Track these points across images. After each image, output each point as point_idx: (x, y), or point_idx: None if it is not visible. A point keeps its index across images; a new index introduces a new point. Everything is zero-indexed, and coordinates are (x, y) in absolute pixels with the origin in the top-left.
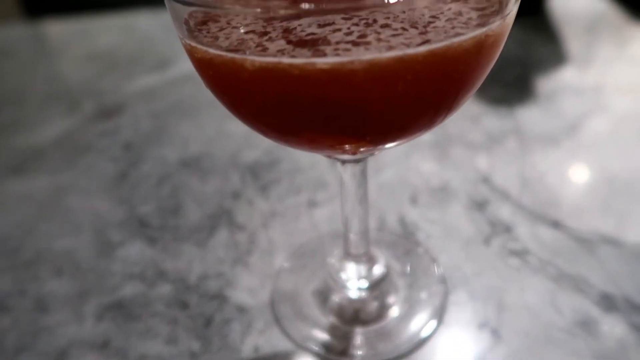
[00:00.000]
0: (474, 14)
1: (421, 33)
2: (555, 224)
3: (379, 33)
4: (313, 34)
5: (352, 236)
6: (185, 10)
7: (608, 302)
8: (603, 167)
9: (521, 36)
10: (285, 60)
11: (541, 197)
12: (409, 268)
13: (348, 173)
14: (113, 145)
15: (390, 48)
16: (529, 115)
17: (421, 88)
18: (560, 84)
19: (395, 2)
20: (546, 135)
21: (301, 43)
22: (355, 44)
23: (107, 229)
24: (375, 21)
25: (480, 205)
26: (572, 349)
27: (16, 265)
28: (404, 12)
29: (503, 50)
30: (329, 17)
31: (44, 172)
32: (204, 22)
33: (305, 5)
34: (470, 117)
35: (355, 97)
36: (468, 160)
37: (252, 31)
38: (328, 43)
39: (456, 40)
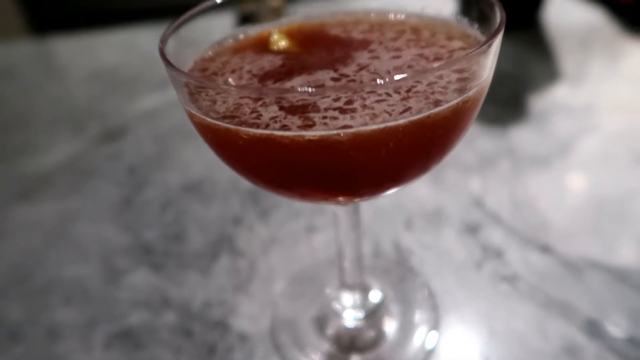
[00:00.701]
0: (453, 77)
1: (403, 99)
2: (545, 249)
3: (364, 99)
4: (304, 98)
5: (347, 264)
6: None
7: (593, 328)
8: (593, 190)
9: (514, 52)
10: (277, 133)
11: (532, 221)
12: (403, 296)
13: (341, 209)
14: (117, 169)
15: (374, 116)
16: (521, 136)
17: (404, 152)
18: (553, 102)
19: (381, 84)
20: (538, 156)
21: (292, 109)
22: (342, 111)
23: (113, 256)
24: (362, 83)
25: (472, 230)
26: None
27: (27, 293)
28: (388, 72)
29: (497, 67)
30: (319, 78)
31: (51, 198)
32: (202, 87)
33: (295, 90)
34: (464, 138)
35: (342, 162)
36: (462, 183)
37: (248, 96)
38: (317, 110)
39: (434, 110)
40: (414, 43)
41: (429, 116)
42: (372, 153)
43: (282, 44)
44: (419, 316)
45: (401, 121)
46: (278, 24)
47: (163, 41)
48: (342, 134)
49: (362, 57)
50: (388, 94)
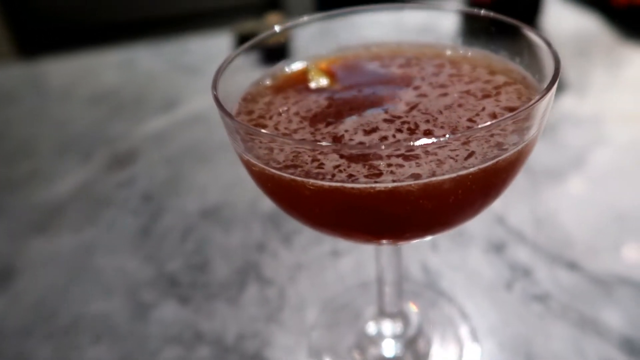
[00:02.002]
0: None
1: (464, 143)
2: (572, 265)
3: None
4: (362, 143)
5: (387, 289)
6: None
7: (630, 346)
8: (611, 202)
9: None
10: (347, 185)
11: (555, 237)
12: (438, 321)
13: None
14: (131, 197)
15: (440, 163)
16: (535, 148)
17: (470, 197)
18: (560, 113)
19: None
20: (553, 169)
21: (354, 158)
22: (405, 158)
23: (138, 290)
24: (417, 126)
25: (498, 248)
26: None
27: (55, 332)
28: (440, 112)
29: None
30: (371, 120)
31: (67, 229)
32: (272, 140)
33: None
34: None
35: (409, 210)
36: None
37: (303, 139)
38: (380, 157)
39: (503, 156)
40: (457, 78)
41: (497, 162)
42: (441, 200)
43: (322, 81)
44: (457, 342)
45: (472, 169)
46: (313, 59)
47: (215, 86)
48: (413, 185)
49: (409, 94)
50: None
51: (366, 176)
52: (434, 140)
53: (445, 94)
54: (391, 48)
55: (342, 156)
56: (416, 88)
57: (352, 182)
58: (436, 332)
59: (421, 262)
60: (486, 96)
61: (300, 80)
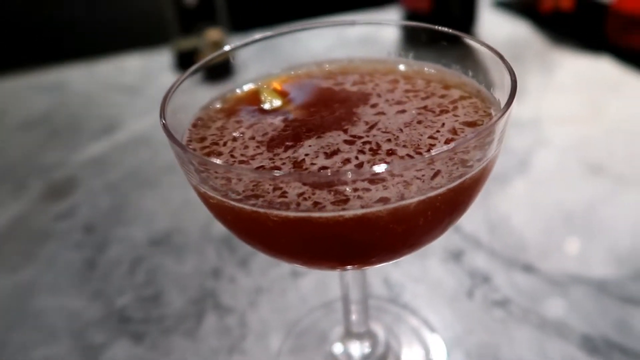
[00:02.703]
0: (468, 132)
1: (429, 163)
2: (528, 268)
3: (388, 163)
4: (324, 167)
5: (353, 307)
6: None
7: (590, 345)
8: (558, 204)
9: None
10: (314, 214)
11: (509, 241)
12: (405, 336)
13: None
14: (72, 229)
15: (407, 184)
16: None
17: (438, 216)
18: None
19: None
20: (500, 173)
21: (318, 185)
22: (371, 181)
23: (86, 330)
24: (379, 146)
25: (456, 257)
26: None
27: None
28: (401, 130)
29: None
30: (331, 142)
31: (1, 269)
32: (228, 172)
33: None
34: None
35: (378, 235)
36: None
37: (262, 166)
38: (345, 182)
39: (470, 174)
40: (412, 94)
41: (463, 181)
42: (411, 223)
43: (275, 101)
44: (425, 357)
45: (440, 190)
46: (264, 79)
47: (163, 114)
48: (382, 210)
49: (367, 113)
50: (410, 155)
51: (332, 203)
52: (401, 162)
53: (403, 111)
54: (343, 65)
55: (305, 183)
56: (373, 106)
57: (319, 210)
58: (404, 348)
59: (382, 276)
60: (444, 111)
61: (252, 102)
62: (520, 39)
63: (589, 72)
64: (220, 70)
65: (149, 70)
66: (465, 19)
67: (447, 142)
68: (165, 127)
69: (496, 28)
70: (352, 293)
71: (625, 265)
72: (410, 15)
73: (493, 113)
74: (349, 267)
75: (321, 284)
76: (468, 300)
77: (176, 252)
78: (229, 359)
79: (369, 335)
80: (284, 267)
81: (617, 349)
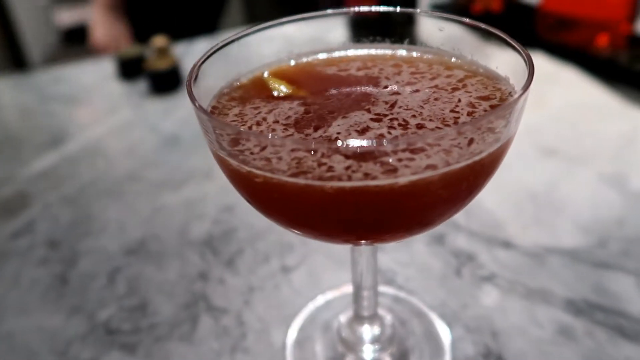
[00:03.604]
0: (485, 105)
1: (460, 133)
2: (507, 244)
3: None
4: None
5: (365, 293)
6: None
7: (573, 307)
8: (521, 184)
9: None
10: (371, 183)
11: (485, 222)
12: (406, 317)
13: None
14: (34, 246)
15: (447, 152)
16: None
17: (478, 181)
18: None
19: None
20: None
21: (361, 157)
22: (412, 151)
23: (70, 348)
24: (406, 121)
25: (439, 240)
26: (564, 358)
27: None
28: (422, 107)
29: None
30: (359, 120)
31: None
32: (237, 141)
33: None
34: None
35: (430, 200)
36: None
37: (296, 148)
38: (387, 154)
39: (499, 143)
40: (419, 76)
41: (499, 146)
42: (456, 188)
43: (285, 89)
44: (429, 334)
45: (478, 156)
46: (267, 68)
47: (192, 98)
48: (434, 175)
49: (382, 94)
50: (439, 127)
51: (383, 173)
52: (449, 129)
53: (417, 90)
54: (340, 54)
55: (348, 157)
56: (386, 87)
57: (372, 179)
58: (408, 328)
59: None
60: (455, 89)
61: (261, 90)
62: (456, 38)
63: (500, 70)
64: (167, 80)
65: (90, 81)
66: (405, 22)
67: (469, 114)
68: (203, 111)
69: (433, 28)
70: (366, 277)
71: (590, 234)
72: (354, 20)
73: (503, 88)
74: (386, 236)
75: (312, 275)
76: (457, 278)
77: (156, 259)
78: (233, 359)
79: (378, 318)
80: (273, 264)
81: (598, 309)
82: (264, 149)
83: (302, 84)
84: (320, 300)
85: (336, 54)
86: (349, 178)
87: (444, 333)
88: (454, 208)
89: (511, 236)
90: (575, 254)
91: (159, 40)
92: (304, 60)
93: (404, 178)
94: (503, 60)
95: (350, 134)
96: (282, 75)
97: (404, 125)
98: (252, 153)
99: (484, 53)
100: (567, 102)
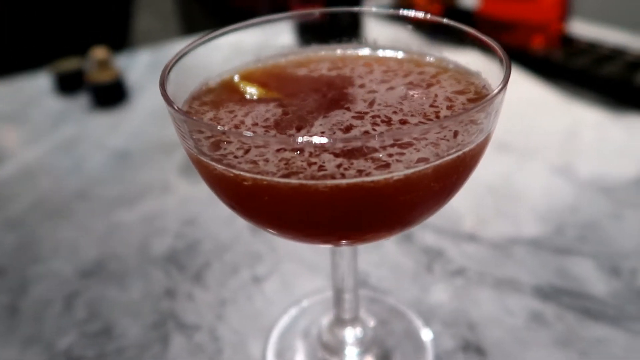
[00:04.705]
0: (462, 99)
1: (443, 127)
2: (472, 238)
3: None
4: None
5: (347, 296)
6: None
7: (541, 293)
8: (479, 179)
9: None
10: (367, 179)
11: (449, 217)
12: (384, 318)
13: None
14: None
15: (435, 145)
16: None
17: (466, 172)
18: None
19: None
20: None
21: (350, 154)
22: (401, 146)
23: None
24: (389, 118)
25: (407, 238)
26: (539, 344)
27: None
28: (401, 103)
29: None
30: (341, 119)
31: None
32: (218, 145)
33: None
34: None
35: (420, 195)
36: None
37: (283, 149)
38: (376, 150)
39: (479, 139)
40: (392, 73)
41: (484, 139)
42: (447, 180)
43: (257, 91)
44: (409, 332)
45: (466, 148)
46: (235, 72)
47: (172, 108)
48: (427, 168)
49: (359, 93)
50: (422, 122)
51: (376, 169)
52: (441, 121)
53: (392, 88)
54: (307, 56)
55: (337, 155)
56: (361, 86)
57: (366, 176)
58: (387, 328)
59: None
60: (430, 85)
61: (233, 94)
62: (402, 41)
63: (470, 66)
64: (110, 92)
65: (25, 97)
66: (353, 25)
67: (448, 108)
68: (183, 113)
69: (380, 31)
70: (348, 280)
71: (548, 222)
72: (300, 25)
73: (476, 82)
74: (382, 233)
75: (285, 284)
76: (429, 274)
77: (116, 279)
78: None
79: (359, 320)
80: (243, 275)
81: (564, 293)
82: (247, 151)
83: (275, 86)
84: (295, 308)
85: (303, 55)
86: (343, 176)
87: (423, 330)
88: (443, 200)
89: (475, 230)
90: (537, 242)
91: (99, 52)
92: (271, 62)
93: (399, 173)
94: (472, 57)
95: (334, 133)
96: (253, 78)
97: (387, 122)
98: (236, 157)
99: (454, 50)
100: (514, 100)
